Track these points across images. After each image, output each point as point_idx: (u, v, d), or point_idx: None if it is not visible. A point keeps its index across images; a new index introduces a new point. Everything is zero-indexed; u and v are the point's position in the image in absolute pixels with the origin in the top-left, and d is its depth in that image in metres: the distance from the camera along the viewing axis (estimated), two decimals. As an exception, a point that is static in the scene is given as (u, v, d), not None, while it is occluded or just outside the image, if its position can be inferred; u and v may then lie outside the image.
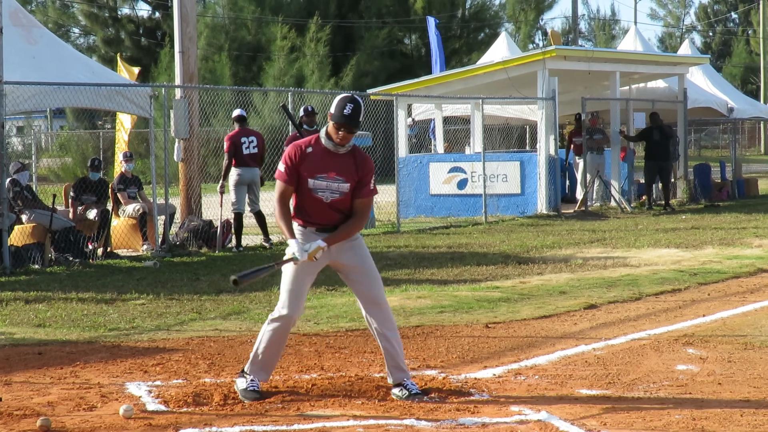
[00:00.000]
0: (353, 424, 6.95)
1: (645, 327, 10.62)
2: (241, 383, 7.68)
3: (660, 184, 26.96)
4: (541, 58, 25.48)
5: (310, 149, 7.55)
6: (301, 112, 18.20)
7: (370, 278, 7.68)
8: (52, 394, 7.85)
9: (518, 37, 60.15)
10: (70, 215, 17.36)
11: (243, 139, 18.10)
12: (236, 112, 18.36)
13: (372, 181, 7.67)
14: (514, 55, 29.99)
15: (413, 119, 32.53)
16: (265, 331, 7.66)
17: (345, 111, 7.46)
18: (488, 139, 27.48)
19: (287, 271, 7.58)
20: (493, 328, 10.68)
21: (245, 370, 7.72)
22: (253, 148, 18.14)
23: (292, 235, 7.48)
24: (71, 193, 17.75)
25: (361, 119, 7.54)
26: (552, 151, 24.98)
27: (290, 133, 18.11)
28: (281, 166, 7.58)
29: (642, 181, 27.66)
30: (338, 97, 7.57)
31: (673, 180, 29.10)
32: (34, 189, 19.93)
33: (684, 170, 29.62)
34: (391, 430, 6.83)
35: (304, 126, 17.50)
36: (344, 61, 51.14)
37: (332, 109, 7.50)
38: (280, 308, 7.60)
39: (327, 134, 7.55)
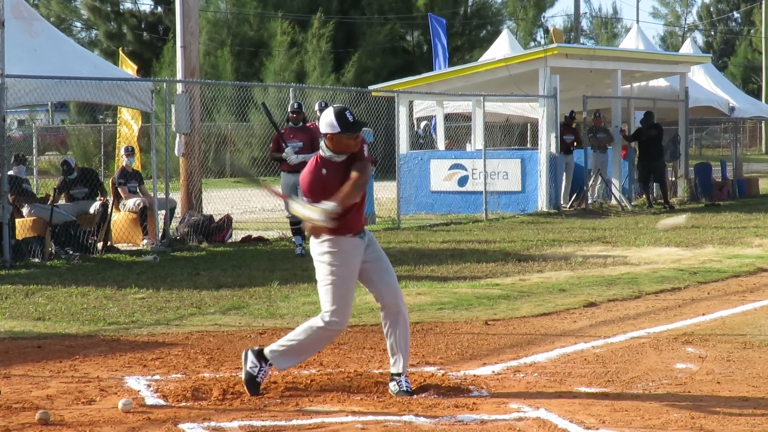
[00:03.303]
0: (352, 419, 6.95)
1: (644, 325, 10.63)
2: (252, 367, 7.60)
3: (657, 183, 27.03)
4: (542, 55, 25.46)
5: (324, 170, 7.48)
6: (289, 108, 17.43)
7: (391, 271, 7.78)
8: (51, 387, 7.86)
9: (519, 34, 60.13)
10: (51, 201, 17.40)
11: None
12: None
13: (365, 150, 7.60)
14: (515, 52, 29.98)
15: (426, 124, 32.54)
16: (315, 334, 7.58)
17: (350, 119, 7.43)
18: (489, 136, 27.45)
19: (341, 283, 7.51)
20: (492, 326, 10.68)
21: (266, 355, 7.62)
22: None
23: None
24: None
25: None
26: (553, 149, 24.98)
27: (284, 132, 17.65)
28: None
29: (641, 180, 27.68)
30: (332, 111, 7.46)
31: (673, 179, 29.10)
32: (33, 183, 19.99)
33: (685, 169, 29.62)
34: (390, 426, 6.83)
35: (290, 123, 16.70)
36: (346, 57, 51.13)
37: (335, 126, 7.39)
38: (335, 322, 7.53)
39: (336, 151, 7.47)
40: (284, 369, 7.78)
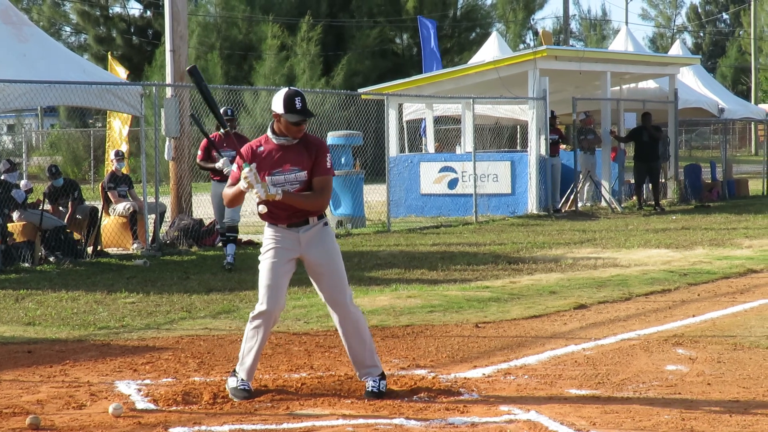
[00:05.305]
0: (342, 423, 6.95)
1: (635, 327, 10.63)
2: (231, 382, 7.69)
3: (650, 185, 27.03)
4: (532, 57, 25.49)
5: (261, 148, 7.58)
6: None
7: (334, 278, 7.68)
8: (42, 392, 7.84)
9: (508, 37, 60.19)
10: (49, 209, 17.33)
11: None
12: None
13: (328, 160, 7.62)
14: (505, 54, 30.00)
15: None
16: (248, 330, 7.69)
17: (297, 105, 7.43)
18: (479, 138, 27.47)
19: (263, 267, 7.62)
20: (483, 328, 10.69)
21: (236, 369, 7.73)
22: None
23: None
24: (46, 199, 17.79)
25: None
26: (543, 151, 24.99)
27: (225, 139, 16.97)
28: (234, 167, 7.59)
29: (632, 181, 27.70)
30: (281, 94, 7.49)
31: (663, 180, 29.14)
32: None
33: (674, 170, 29.66)
34: (381, 429, 6.83)
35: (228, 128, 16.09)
36: (335, 60, 51.14)
37: (280, 108, 7.44)
38: (259, 305, 7.62)
39: (277, 131, 7.55)
40: (249, 377, 7.71)
